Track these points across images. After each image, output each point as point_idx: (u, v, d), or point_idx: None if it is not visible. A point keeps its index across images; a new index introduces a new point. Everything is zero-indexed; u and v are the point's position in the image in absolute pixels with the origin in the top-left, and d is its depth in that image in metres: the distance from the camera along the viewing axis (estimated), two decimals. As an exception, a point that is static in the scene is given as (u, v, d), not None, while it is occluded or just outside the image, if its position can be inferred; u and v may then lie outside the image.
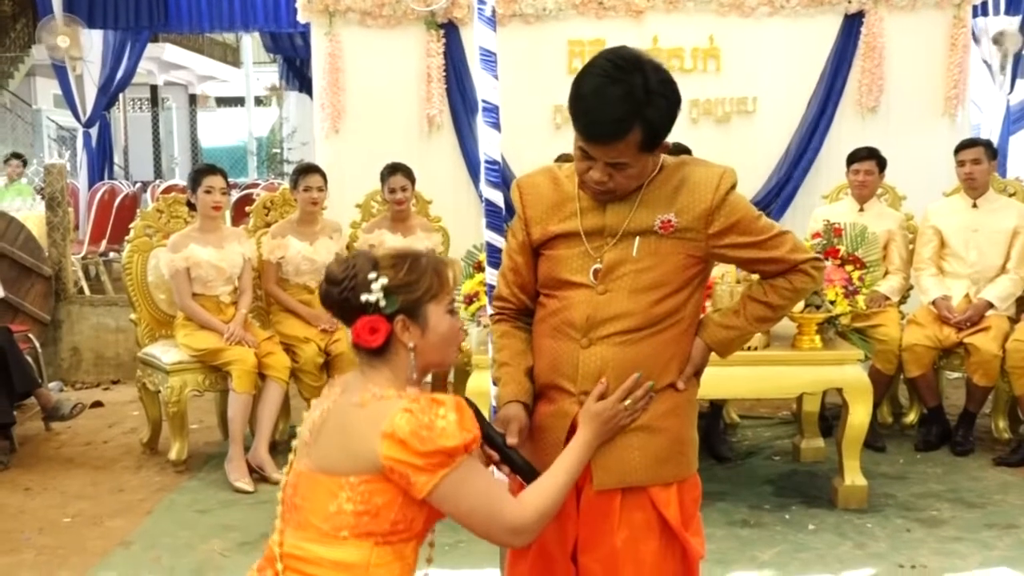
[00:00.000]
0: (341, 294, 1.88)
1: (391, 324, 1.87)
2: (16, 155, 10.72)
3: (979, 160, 5.03)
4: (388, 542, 1.83)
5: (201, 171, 4.88)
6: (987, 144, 5.20)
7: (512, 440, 2.08)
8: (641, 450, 2.13)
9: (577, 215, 2.18)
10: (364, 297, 1.85)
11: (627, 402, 2.09)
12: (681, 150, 5.13)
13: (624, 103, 2.00)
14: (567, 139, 2.24)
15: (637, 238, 2.13)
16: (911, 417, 5.30)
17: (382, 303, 1.85)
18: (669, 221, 2.12)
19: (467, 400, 1.89)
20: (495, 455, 2.03)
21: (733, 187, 2.16)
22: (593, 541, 2.16)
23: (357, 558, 1.82)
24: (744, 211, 2.16)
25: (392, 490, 1.80)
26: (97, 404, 6.05)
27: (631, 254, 2.13)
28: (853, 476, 4.22)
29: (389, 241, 5.27)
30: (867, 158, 5.17)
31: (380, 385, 1.85)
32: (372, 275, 1.85)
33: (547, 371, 2.19)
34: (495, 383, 2.35)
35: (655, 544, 2.15)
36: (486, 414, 2.10)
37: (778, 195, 6.24)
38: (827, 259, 4.23)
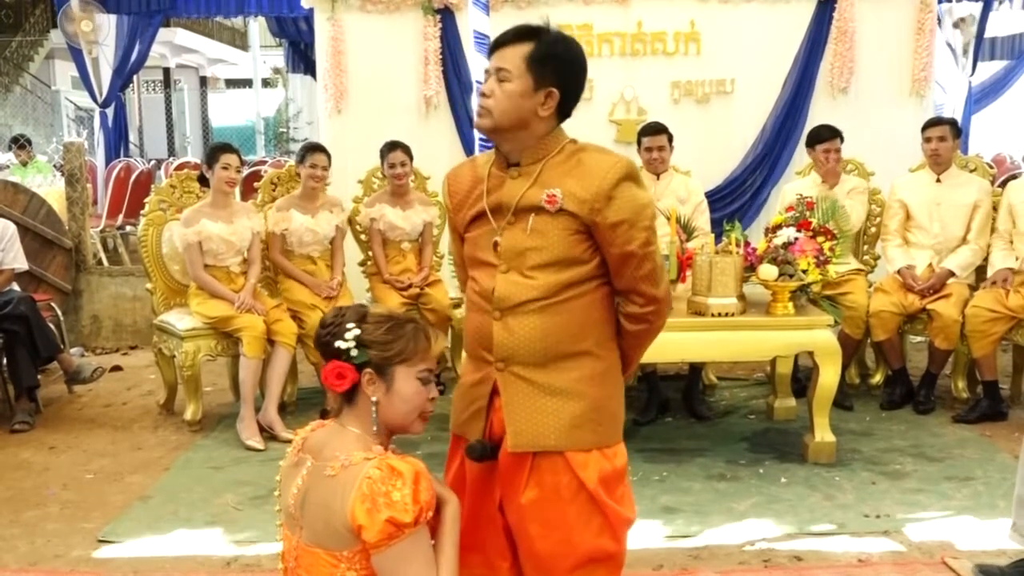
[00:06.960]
0: (323, 337, 1.90)
1: (359, 374, 1.86)
2: (17, 142, 10.30)
3: (945, 138, 5.00)
4: None
5: (218, 148, 4.85)
6: (952, 123, 5.17)
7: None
8: (555, 415, 2.07)
9: (484, 195, 2.13)
10: (338, 344, 1.86)
11: None
12: (661, 130, 5.14)
13: (527, 27, 2.06)
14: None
15: (531, 216, 2.06)
16: (877, 378, 5.32)
17: (353, 352, 1.86)
18: (554, 196, 2.03)
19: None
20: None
21: (625, 178, 2.04)
22: (507, 497, 2.14)
23: None
24: (630, 215, 2.03)
25: None
26: (116, 368, 6.04)
27: (525, 232, 2.07)
28: (822, 433, 4.23)
29: (389, 214, 5.25)
30: (832, 137, 5.07)
31: (348, 446, 1.84)
32: (351, 326, 1.86)
33: (471, 342, 2.18)
34: None
35: (568, 507, 2.07)
36: None
37: (755, 171, 6.19)
38: (799, 231, 4.23)
